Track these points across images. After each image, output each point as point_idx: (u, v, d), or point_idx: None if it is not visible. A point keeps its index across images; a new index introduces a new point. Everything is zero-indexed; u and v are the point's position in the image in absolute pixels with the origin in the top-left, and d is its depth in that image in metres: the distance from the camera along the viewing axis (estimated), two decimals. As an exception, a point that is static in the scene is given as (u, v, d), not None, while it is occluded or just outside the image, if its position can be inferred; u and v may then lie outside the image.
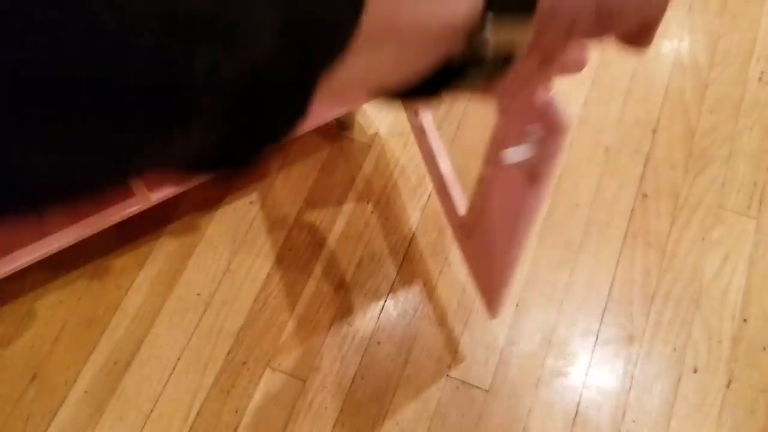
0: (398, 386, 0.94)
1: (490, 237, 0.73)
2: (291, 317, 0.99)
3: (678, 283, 1.01)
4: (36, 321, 0.99)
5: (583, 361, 0.96)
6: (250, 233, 1.06)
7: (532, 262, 1.03)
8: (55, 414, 0.93)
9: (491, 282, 0.78)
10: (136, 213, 0.93)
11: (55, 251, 0.90)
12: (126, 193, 0.93)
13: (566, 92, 1.18)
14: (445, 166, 0.86)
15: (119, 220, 0.92)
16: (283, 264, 1.03)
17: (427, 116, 0.90)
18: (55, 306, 1.00)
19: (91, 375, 0.94)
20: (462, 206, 0.81)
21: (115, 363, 0.95)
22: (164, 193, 0.94)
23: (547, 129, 0.47)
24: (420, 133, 0.90)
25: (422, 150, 0.93)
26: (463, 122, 1.14)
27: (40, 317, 0.99)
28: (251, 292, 1.01)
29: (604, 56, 1.21)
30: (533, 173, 0.53)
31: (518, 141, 0.52)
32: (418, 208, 1.07)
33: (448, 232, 1.05)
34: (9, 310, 0.99)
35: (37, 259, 0.89)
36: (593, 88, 1.18)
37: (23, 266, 0.89)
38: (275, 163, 1.11)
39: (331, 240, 1.05)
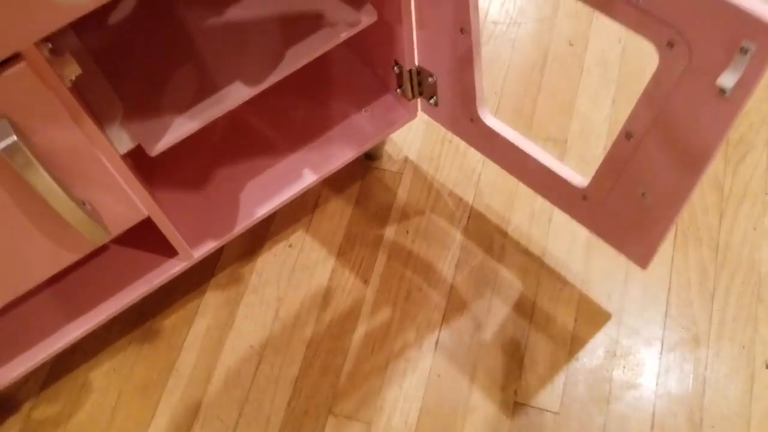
0: (466, 418, 0.92)
1: (635, 190, 0.75)
2: (347, 359, 0.97)
3: (736, 277, 0.98)
4: (92, 393, 0.98)
5: (651, 370, 0.93)
6: (293, 278, 1.04)
7: (584, 276, 1.00)
8: (122, 485, 0.91)
9: (639, 235, 0.79)
10: (180, 272, 0.92)
11: (105, 321, 0.89)
12: (168, 253, 0.92)
13: (594, 93, 1.16)
14: (536, 151, 0.87)
15: (164, 281, 0.91)
16: (331, 305, 1.02)
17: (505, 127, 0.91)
18: (110, 375, 0.99)
19: (154, 442, 0.93)
20: (576, 179, 0.84)
21: (177, 427, 0.94)
22: (206, 248, 0.93)
23: (765, 40, 0.43)
24: (495, 136, 0.91)
25: (503, 156, 0.93)
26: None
27: (95, 388, 0.98)
28: (303, 337, 0.99)
29: (627, 54, 1.19)
30: (724, 94, 0.50)
31: (724, 64, 0.48)
32: (458, 231, 1.06)
33: (494, 253, 1.03)
34: (63, 385, 0.99)
35: (88, 332, 0.89)
36: (619, 89, 1.16)
37: (74, 340, 0.88)
38: (309, 204, 1.10)
39: (375, 275, 1.04)
